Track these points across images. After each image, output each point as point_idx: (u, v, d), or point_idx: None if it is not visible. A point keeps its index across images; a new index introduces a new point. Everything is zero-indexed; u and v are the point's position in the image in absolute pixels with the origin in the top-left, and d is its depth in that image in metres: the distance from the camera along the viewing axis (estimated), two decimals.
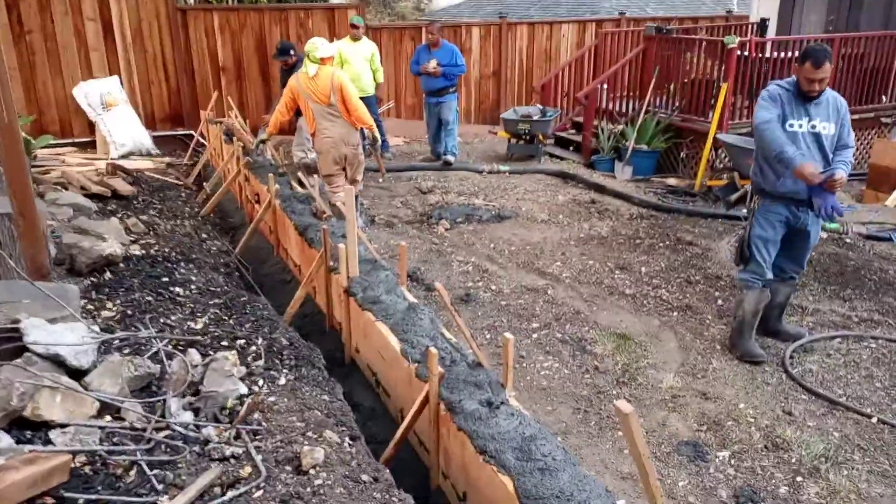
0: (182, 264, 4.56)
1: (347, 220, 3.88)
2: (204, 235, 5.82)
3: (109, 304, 3.70)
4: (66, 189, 6.33)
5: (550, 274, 5.57)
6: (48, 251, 3.86)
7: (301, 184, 6.01)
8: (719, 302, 5.12)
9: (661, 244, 6.29)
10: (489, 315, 4.83)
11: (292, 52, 7.81)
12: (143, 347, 3.16)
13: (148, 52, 9.58)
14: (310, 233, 4.82)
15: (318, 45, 5.94)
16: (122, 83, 9.42)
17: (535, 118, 9.30)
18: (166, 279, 4.18)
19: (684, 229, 6.69)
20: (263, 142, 6.54)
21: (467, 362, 3.12)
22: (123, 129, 9.06)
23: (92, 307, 3.67)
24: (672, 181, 8.57)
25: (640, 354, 4.33)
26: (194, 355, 2.80)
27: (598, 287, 5.35)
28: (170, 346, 3.12)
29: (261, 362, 3.14)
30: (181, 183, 7.80)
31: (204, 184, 7.61)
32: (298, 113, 6.40)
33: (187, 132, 9.86)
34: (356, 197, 6.59)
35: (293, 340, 3.49)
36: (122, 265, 4.28)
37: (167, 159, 8.91)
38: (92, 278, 4.08)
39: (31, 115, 8.03)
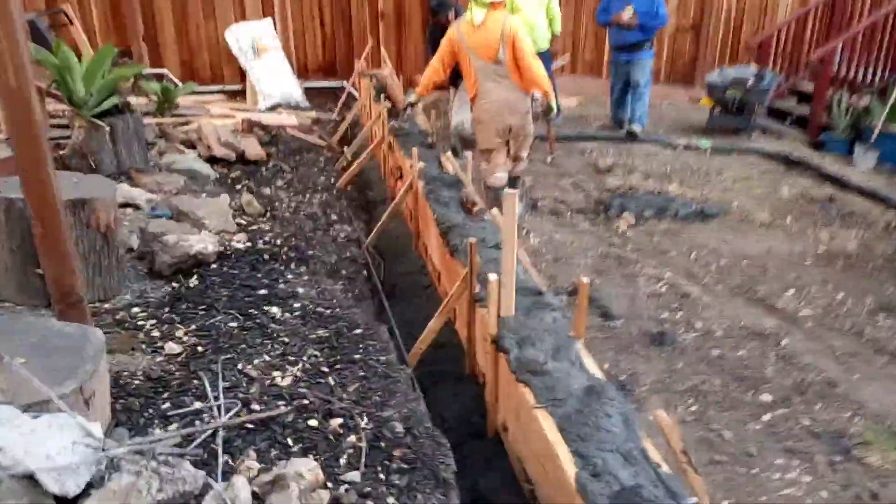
0: (292, 266, 3.56)
1: (504, 240, 2.64)
2: (334, 217, 4.82)
3: (180, 332, 2.76)
4: (194, 147, 5.61)
5: (782, 310, 3.98)
6: (116, 249, 2.99)
7: (453, 158, 4.81)
8: None
9: None
10: (694, 370, 3.42)
11: (452, 10, 6.36)
12: (196, 421, 2.17)
13: None
14: (454, 236, 3.61)
15: None
16: (275, 27, 8.68)
17: (751, 84, 7.40)
18: (264, 291, 3.18)
19: None
20: (413, 105, 5.39)
21: None
22: (273, 79, 8.35)
23: (158, 333, 2.75)
24: None
25: None
26: (240, 483, 1.73)
27: (856, 339, 3.72)
28: (224, 434, 2.08)
29: (356, 475, 2.02)
30: (323, 144, 6.90)
31: (345, 148, 6.66)
32: (457, 74, 5.18)
33: (340, 84, 8.99)
34: (517, 178, 5.32)
35: (412, 424, 2.34)
36: (214, 266, 3.35)
37: (314, 114, 8.07)
38: (173, 283, 3.18)
39: (143, 64, 7.26)
